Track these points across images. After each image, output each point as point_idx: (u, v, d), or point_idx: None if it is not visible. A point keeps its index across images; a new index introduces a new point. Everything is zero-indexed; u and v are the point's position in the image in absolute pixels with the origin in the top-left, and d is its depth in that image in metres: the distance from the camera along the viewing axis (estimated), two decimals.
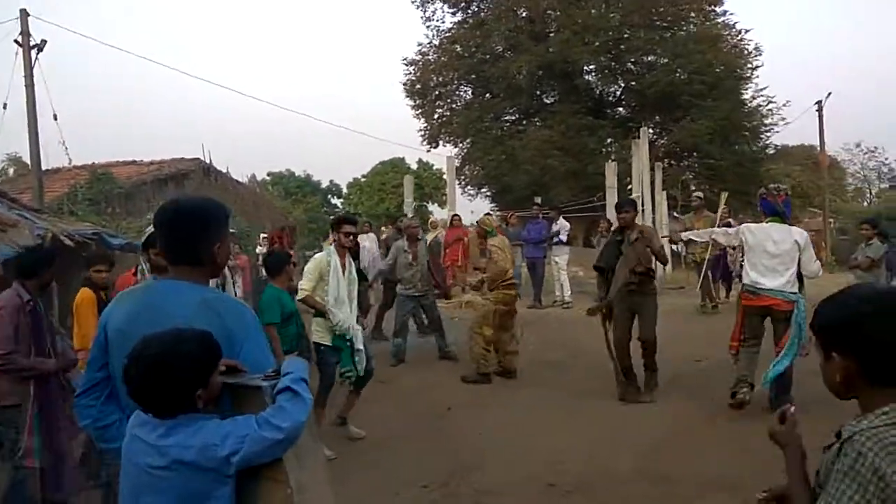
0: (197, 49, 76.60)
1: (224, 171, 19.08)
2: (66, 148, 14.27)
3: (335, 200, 39.14)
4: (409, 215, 13.71)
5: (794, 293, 5.45)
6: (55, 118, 12.34)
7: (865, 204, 32.79)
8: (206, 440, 1.58)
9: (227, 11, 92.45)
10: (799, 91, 46.80)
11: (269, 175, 35.43)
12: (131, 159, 17.55)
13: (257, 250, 12.95)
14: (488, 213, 9.73)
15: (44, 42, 11.91)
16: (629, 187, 16.18)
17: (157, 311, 1.79)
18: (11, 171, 22.33)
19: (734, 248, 10.89)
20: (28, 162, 14.40)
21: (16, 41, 11.74)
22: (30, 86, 11.75)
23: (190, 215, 1.95)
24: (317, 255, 5.35)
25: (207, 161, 18.40)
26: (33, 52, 11.80)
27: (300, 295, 5.07)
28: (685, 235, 7.77)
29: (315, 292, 5.06)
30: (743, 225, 6.24)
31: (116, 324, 1.88)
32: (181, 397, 1.61)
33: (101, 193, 13.26)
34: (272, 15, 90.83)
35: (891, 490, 1.22)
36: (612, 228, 7.03)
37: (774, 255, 5.51)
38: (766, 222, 5.75)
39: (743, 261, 6.03)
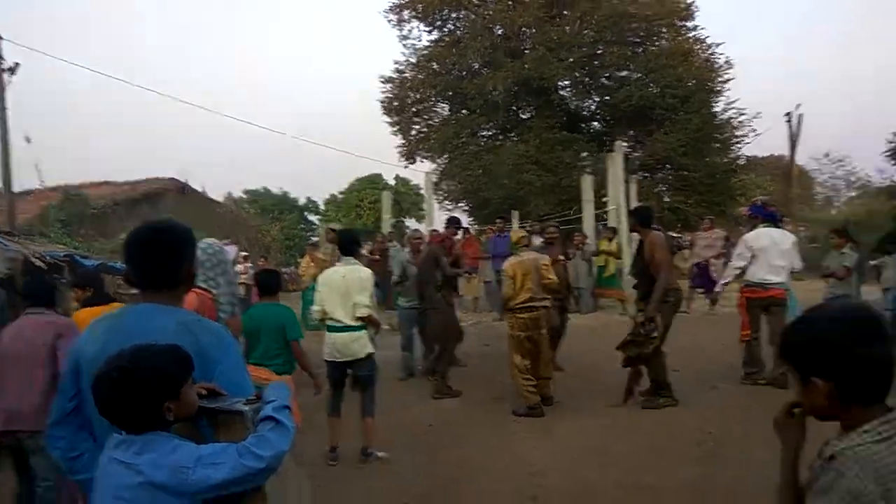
0: (171, 68, 76.16)
1: (200, 189, 18.97)
2: (40, 170, 14.07)
3: (312, 217, 39.02)
4: (387, 231, 13.70)
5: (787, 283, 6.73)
6: (28, 140, 12.19)
7: (833, 212, 33.51)
8: (178, 462, 1.55)
9: (198, 30, 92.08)
10: (769, 103, 47.81)
11: (245, 193, 35.30)
12: (104, 180, 17.40)
13: (238, 269, 12.83)
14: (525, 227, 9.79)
15: (16, 65, 11.81)
16: (604, 199, 16.36)
17: (132, 337, 1.74)
18: None
19: (717, 258, 11.28)
20: None
21: None
22: (2, 109, 11.63)
23: (166, 238, 1.94)
24: None
25: (183, 180, 18.29)
26: (6, 75, 11.68)
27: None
28: (722, 286, 7.65)
29: None
30: (745, 237, 6.90)
31: (89, 352, 1.83)
32: (149, 410, 1.59)
33: (74, 215, 13.12)
34: (246, 32, 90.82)
35: None
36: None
37: (781, 255, 6.62)
38: (762, 227, 6.75)
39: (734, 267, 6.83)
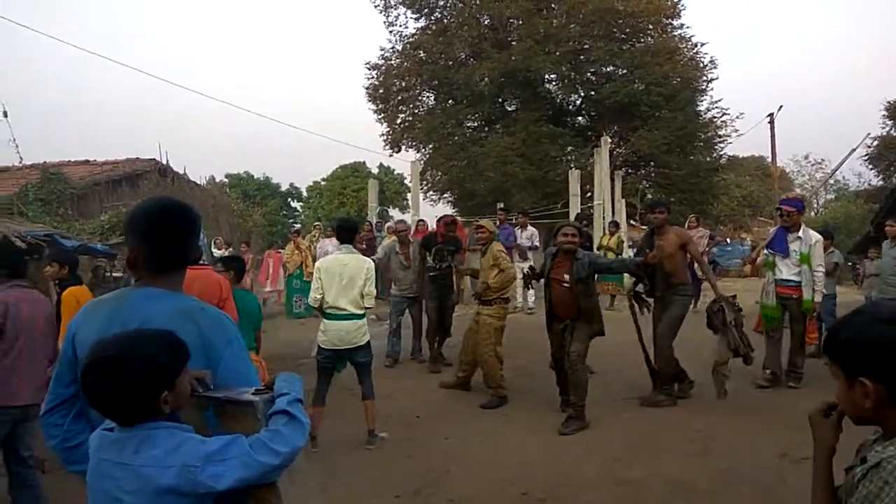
0: (155, 47, 74.83)
1: (181, 172, 18.69)
2: (17, 146, 13.72)
3: (295, 204, 38.77)
4: (374, 220, 13.64)
5: None
6: (5, 115, 11.89)
7: (812, 214, 34.05)
8: (185, 460, 1.46)
9: (186, 10, 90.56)
10: (752, 103, 48.33)
11: (227, 177, 34.92)
12: (84, 159, 17.06)
13: (215, 253, 12.71)
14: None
15: None
16: (588, 194, 16.44)
17: (132, 323, 1.68)
18: None
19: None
20: None
21: None
22: None
23: (182, 218, 1.86)
24: None
25: (164, 162, 18.00)
26: None
27: None
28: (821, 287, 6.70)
29: None
30: (821, 237, 6.66)
31: (87, 337, 1.72)
32: (144, 401, 1.49)
33: (53, 193, 12.86)
34: (233, 15, 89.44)
35: None
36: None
37: None
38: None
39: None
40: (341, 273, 5.11)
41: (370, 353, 5.34)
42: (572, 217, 12.93)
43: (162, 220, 1.83)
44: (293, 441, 1.54)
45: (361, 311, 5.17)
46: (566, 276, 5.51)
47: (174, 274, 1.86)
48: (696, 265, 8.79)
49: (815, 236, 6.56)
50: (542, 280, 5.94)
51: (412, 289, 8.02)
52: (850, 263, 18.39)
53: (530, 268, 6.25)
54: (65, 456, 1.84)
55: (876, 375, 1.33)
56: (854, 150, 22.85)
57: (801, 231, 6.52)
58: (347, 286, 5.09)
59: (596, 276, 5.69)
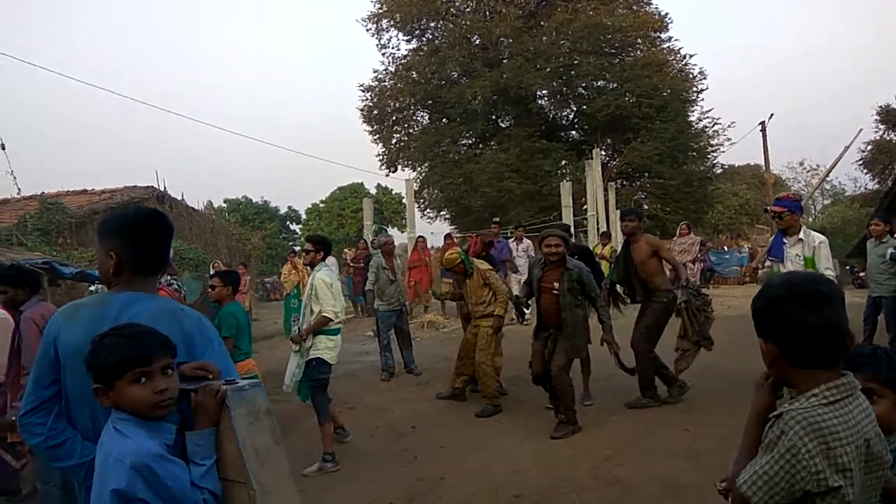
0: (151, 76, 75.65)
1: (179, 198, 18.84)
2: (15, 178, 13.87)
3: (294, 226, 38.96)
4: (370, 238, 13.77)
5: None
6: (2, 147, 12.03)
7: (810, 219, 34.16)
8: (108, 454, 1.60)
9: (181, 37, 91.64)
10: (745, 113, 48.71)
11: (225, 202, 35.15)
12: (82, 188, 17.20)
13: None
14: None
15: None
16: (584, 207, 16.57)
17: (121, 322, 1.75)
18: None
19: (693, 263, 11.35)
20: None
21: None
22: None
23: (162, 225, 1.98)
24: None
25: (161, 188, 18.15)
26: None
27: None
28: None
29: None
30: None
31: (72, 340, 1.79)
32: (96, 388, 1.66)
33: (52, 223, 12.97)
34: (229, 39, 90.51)
35: (801, 466, 1.35)
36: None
37: None
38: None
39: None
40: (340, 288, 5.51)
41: None
42: None
43: (148, 224, 1.96)
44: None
45: None
46: (556, 284, 5.54)
47: (150, 279, 1.97)
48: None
49: (819, 237, 5.75)
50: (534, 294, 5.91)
51: (398, 301, 8.19)
52: (847, 267, 18.48)
53: (517, 296, 6.31)
54: (49, 454, 1.86)
55: (767, 335, 1.46)
56: (847, 147, 22.86)
57: (801, 233, 5.71)
58: (338, 300, 5.42)
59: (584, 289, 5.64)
